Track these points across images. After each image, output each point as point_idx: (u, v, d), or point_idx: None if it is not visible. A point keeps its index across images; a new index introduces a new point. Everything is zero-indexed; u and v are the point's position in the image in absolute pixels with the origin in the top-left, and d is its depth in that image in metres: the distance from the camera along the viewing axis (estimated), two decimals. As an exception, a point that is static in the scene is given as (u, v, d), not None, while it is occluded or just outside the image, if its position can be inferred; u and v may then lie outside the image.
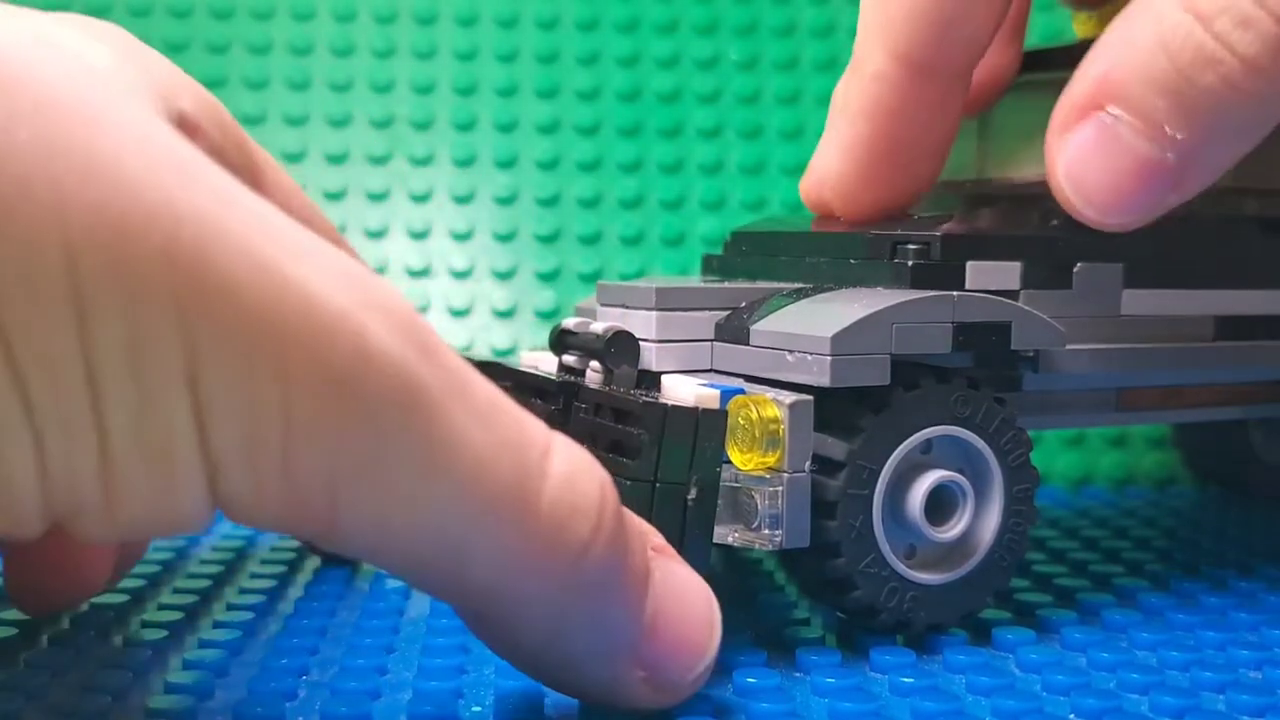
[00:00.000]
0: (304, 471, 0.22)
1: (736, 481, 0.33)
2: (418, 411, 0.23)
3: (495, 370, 0.41)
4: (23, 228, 0.20)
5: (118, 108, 0.22)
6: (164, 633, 0.35)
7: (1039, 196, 0.40)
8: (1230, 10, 0.31)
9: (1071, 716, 0.31)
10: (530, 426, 0.25)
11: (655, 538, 0.29)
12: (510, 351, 0.64)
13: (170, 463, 0.22)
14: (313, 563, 0.44)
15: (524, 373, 0.39)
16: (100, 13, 0.69)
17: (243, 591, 0.40)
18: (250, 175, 0.31)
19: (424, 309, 0.65)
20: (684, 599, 0.28)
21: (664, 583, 0.27)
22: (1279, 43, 0.31)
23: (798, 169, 0.68)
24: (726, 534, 0.34)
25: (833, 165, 0.40)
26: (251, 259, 0.21)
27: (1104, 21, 0.44)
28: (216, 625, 0.36)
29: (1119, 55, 0.33)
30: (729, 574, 0.44)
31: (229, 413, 0.21)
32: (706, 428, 0.31)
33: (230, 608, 0.38)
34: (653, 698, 0.28)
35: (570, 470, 0.25)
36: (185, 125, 0.27)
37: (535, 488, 0.25)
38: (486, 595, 0.25)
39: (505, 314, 0.65)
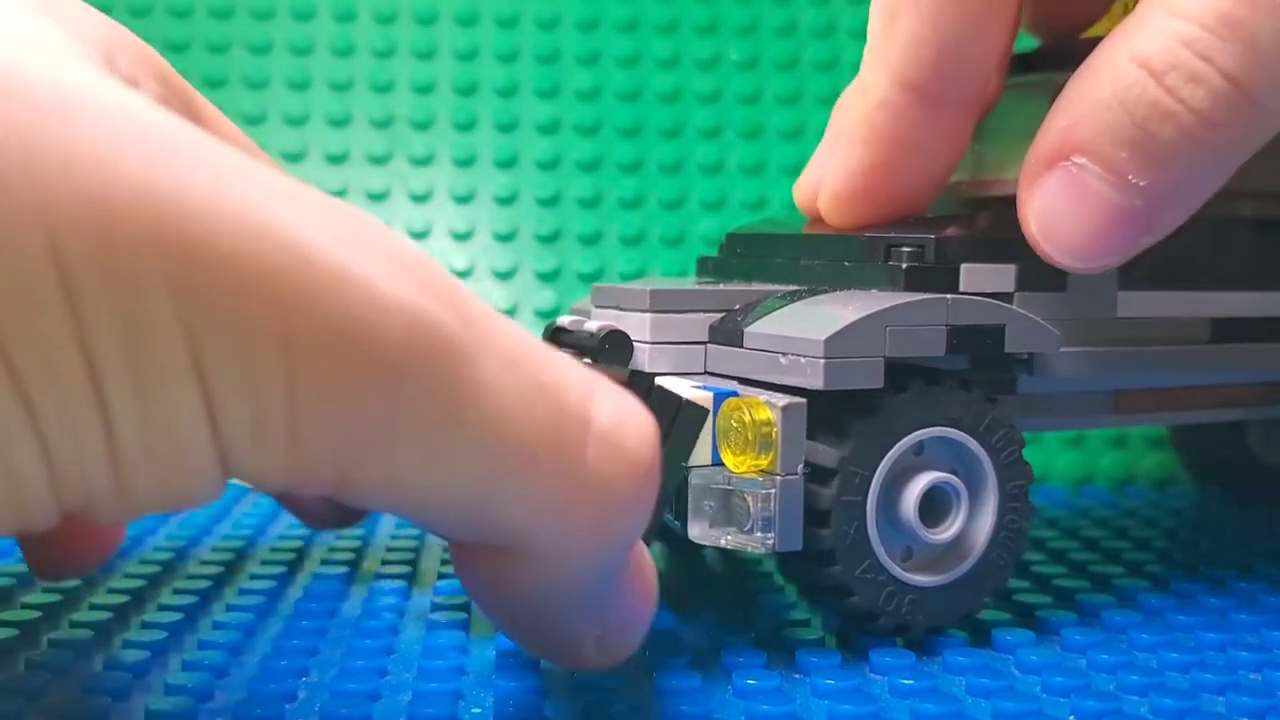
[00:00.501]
0: (317, 437, 0.21)
1: (729, 484, 0.33)
2: (435, 360, 0.21)
3: None
4: (4, 227, 0.19)
5: (87, 85, 0.21)
6: (164, 633, 0.35)
7: None
8: (1180, 66, 0.32)
9: (1071, 718, 0.31)
10: (569, 369, 0.24)
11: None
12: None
13: (180, 446, 0.21)
14: (313, 564, 0.44)
15: None
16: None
17: (243, 592, 0.40)
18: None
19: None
20: (644, 568, 0.28)
21: (634, 550, 0.27)
22: (1229, 97, 0.32)
23: (798, 169, 0.68)
24: (719, 536, 0.34)
25: (829, 182, 0.40)
26: (242, 224, 0.20)
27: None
28: (216, 626, 0.36)
29: (1080, 110, 0.34)
30: (729, 574, 0.44)
31: (236, 387, 0.20)
32: (687, 418, 0.31)
33: (230, 609, 0.38)
34: (596, 660, 0.27)
35: (618, 419, 0.24)
36: (129, 84, 0.25)
37: (577, 434, 0.23)
38: (513, 541, 0.24)
39: (505, 313, 0.65)
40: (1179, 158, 0.33)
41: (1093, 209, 0.34)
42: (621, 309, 0.38)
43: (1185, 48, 0.32)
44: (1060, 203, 0.34)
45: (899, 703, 0.32)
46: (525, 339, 0.24)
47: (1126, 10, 0.41)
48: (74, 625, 0.36)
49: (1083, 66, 0.35)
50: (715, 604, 0.39)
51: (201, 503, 0.22)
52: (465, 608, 0.39)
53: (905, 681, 0.32)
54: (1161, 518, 0.54)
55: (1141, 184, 0.33)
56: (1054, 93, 0.42)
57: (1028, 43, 0.47)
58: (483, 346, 0.22)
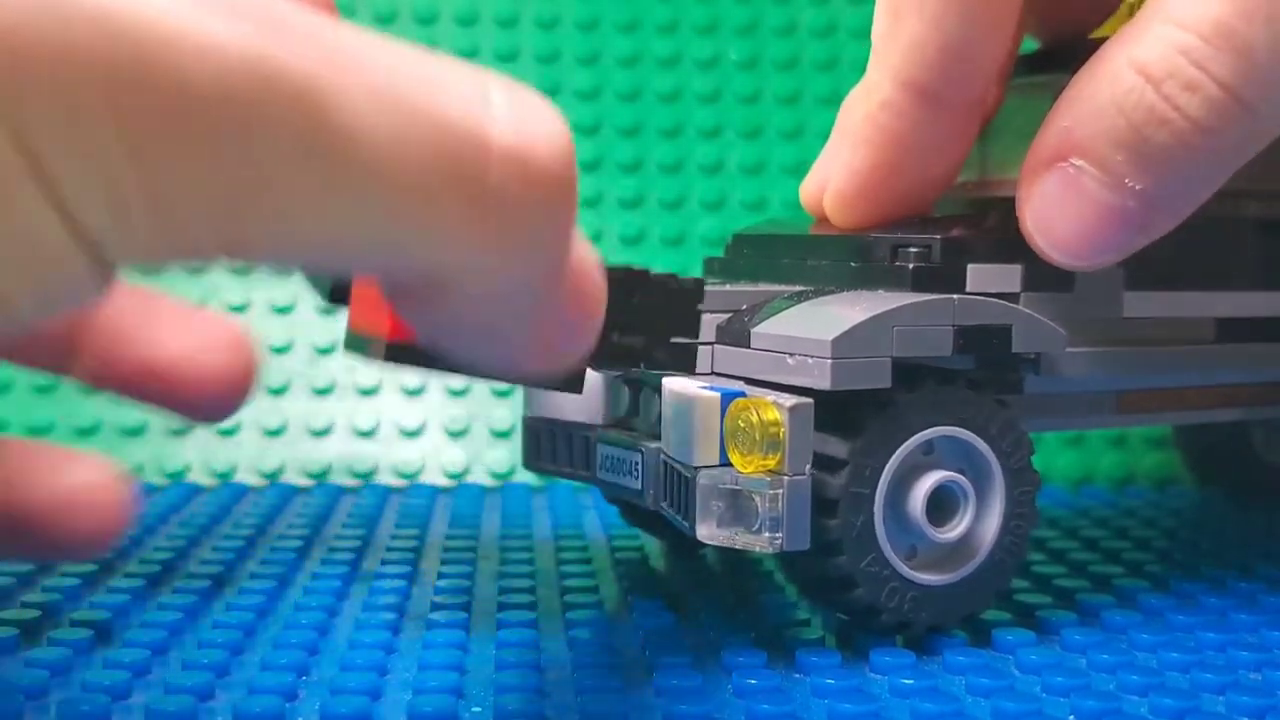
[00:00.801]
0: (179, 205, 0.19)
1: (737, 484, 0.33)
2: (289, 108, 0.19)
3: None
4: None
5: None
6: (164, 633, 0.35)
7: None
8: (1177, 74, 0.33)
9: (1071, 718, 0.31)
10: (455, 85, 0.21)
11: None
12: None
13: (43, 247, 0.19)
14: (313, 564, 0.44)
15: None
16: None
17: (243, 592, 0.40)
18: None
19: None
20: (588, 272, 0.25)
21: (577, 253, 0.25)
22: (1223, 105, 0.33)
23: (798, 169, 0.68)
24: (727, 536, 0.34)
25: (834, 182, 0.40)
26: (70, 10, 0.18)
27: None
28: (216, 626, 0.36)
29: (1079, 111, 0.35)
30: (729, 574, 0.44)
31: (80, 174, 0.19)
32: (682, 295, 0.31)
33: (230, 608, 0.38)
34: (545, 369, 0.26)
35: (518, 132, 0.22)
36: None
37: (473, 162, 0.21)
38: (432, 277, 0.22)
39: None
40: (1174, 163, 0.34)
41: (1087, 209, 0.35)
42: None
43: (1182, 56, 0.33)
44: (1057, 202, 0.35)
45: (899, 702, 0.32)
46: (400, 62, 0.21)
47: (1132, 12, 0.41)
48: (74, 625, 0.36)
49: (1084, 69, 0.35)
50: (715, 604, 0.39)
51: (92, 300, 0.21)
52: (465, 608, 0.39)
53: (905, 681, 0.32)
54: (1161, 518, 0.54)
55: (1137, 187, 0.34)
56: (1055, 92, 0.42)
57: (1033, 44, 0.47)
58: (346, 84, 0.20)
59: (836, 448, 0.34)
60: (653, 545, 0.47)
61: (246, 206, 0.20)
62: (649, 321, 0.31)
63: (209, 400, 0.33)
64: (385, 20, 0.70)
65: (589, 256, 0.26)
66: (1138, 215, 0.34)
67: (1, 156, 0.19)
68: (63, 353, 0.33)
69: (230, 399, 0.33)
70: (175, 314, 0.33)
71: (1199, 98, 0.33)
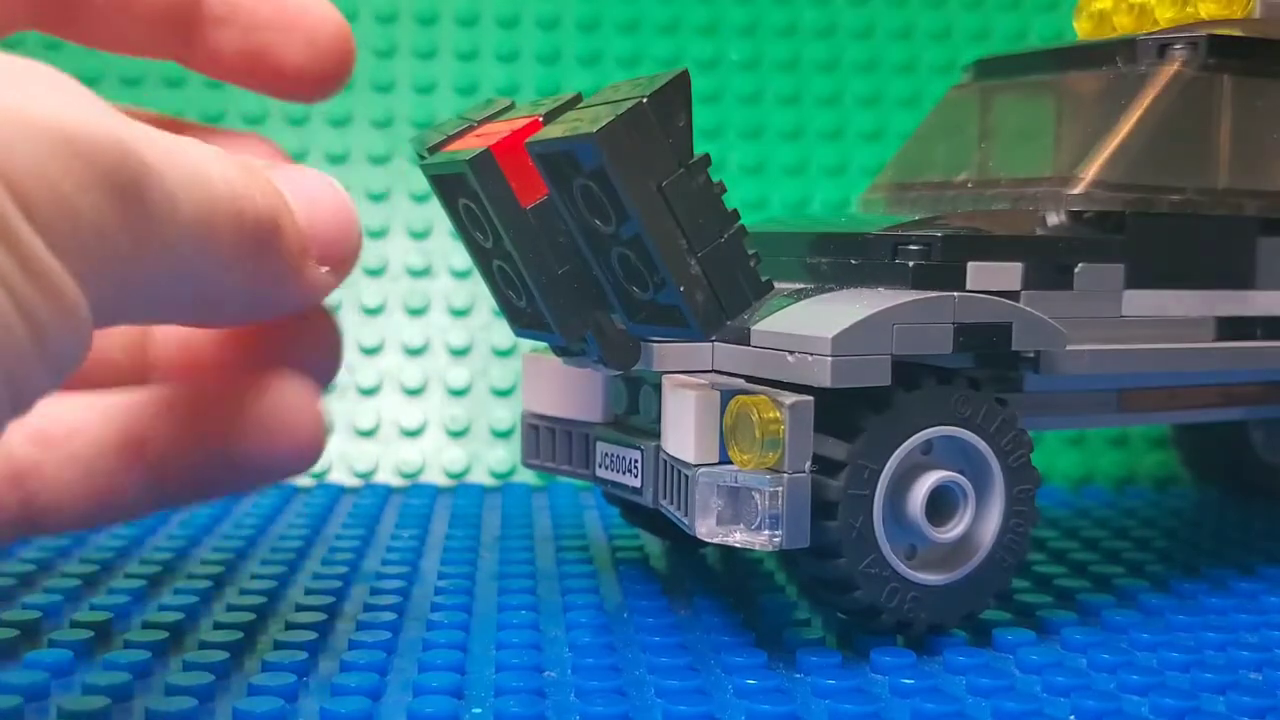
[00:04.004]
0: (101, 256, 0.23)
1: (736, 481, 0.33)
2: (149, 179, 0.24)
3: None
4: None
5: None
6: (164, 633, 0.35)
7: (1039, 196, 0.40)
8: None
9: (1072, 718, 0.31)
10: (205, 153, 0.27)
11: (257, 160, 0.30)
12: (511, 351, 0.64)
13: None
14: (313, 564, 0.44)
15: None
16: None
17: (243, 593, 0.40)
18: None
19: (424, 309, 0.65)
20: (314, 192, 0.30)
21: (294, 192, 0.30)
22: None
23: (798, 169, 0.69)
24: (727, 534, 0.34)
25: None
26: None
27: (1105, 23, 0.44)
28: (217, 626, 0.36)
29: None
30: (729, 574, 0.44)
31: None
32: (661, 107, 0.30)
33: (230, 608, 0.38)
34: (336, 281, 0.31)
35: (222, 168, 0.27)
36: None
37: (225, 200, 0.26)
38: (198, 293, 0.27)
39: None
40: None
41: None
42: None
43: None
44: None
45: (900, 702, 0.32)
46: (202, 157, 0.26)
47: (1131, 12, 0.42)
48: (74, 625, 0.36)
49: None
50: (715, 604, 0.39)
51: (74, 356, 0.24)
52: (465, 608, 0.39)
53: (906, 681, 0.32)
54: (1162, 518, 0.54)
55: None
56: (1053, 92, 0.42)
57: (1031, 42, 0.47)
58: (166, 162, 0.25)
59: (835, 449, 0.34)
60: (653, 545, 0.47)
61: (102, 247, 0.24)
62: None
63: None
64: (385, 20, 0.70)
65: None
66: None
67: None
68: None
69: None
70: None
71: None
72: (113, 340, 0.34)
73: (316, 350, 0.34)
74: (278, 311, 0.31)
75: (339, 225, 0.30)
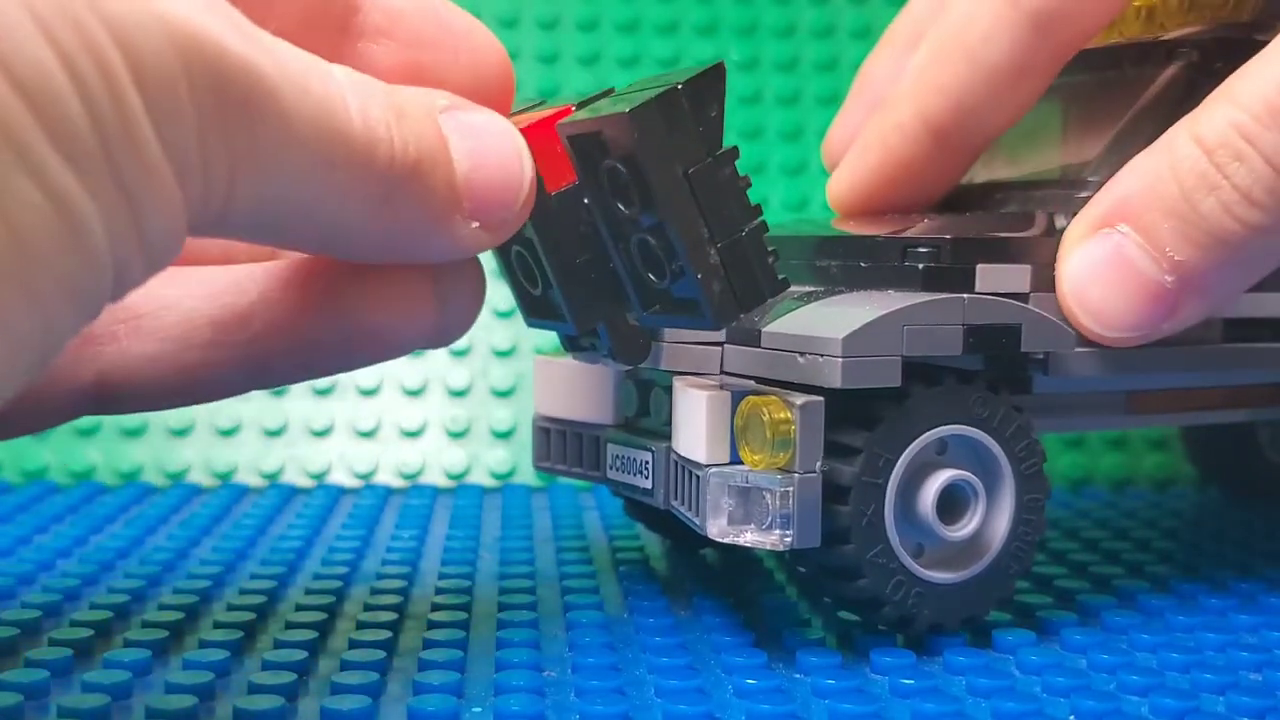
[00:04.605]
0: (197, 162, 0.24)
1: (747, 482, 0.33)
2: (264, 95, 0.24)
3: None
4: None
5: None
6: (164, 632, 0.35)
7: (1047, 198, 0.40)
8: (1228, 144, 0.34)
9: (1071, 718, 0.31)
10: (328, 72, 0.26)
11: (441, 98, 0.29)
12: (511, 352, 0.64)
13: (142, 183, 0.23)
14: (313, 564, 0.44)
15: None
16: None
17: (243, 592, 0.40)
18: None
19: (424, 309, 0.65)
20: (487, 147, 0.29)
21: (464, 142, 0.29)
22: (1268, 180, 0.34)
23: (798, 169, 0.69)
24: (737, 534, 0.34)
25: (835, 179, 0.44)
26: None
27: (1114, 27, 0.44)
28: (216, 626, 0.36)
29: (1136, 181, 0.36)
30: (729, 574, 0.44)
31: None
32: (695, 97, 0.30)
33: (231, 608, 0.38)
34: (491, 239, 0.30)
35: (361, 99, 0.27)
36: None
37: (347, 124, 0.26)
38: (337, 224, 0.27)
39: (506, 314, 0.65)
40: (1216, 233, 0.35)
41: (1126, 279, 0.36)
42: None
43: (1234, 129, 0.34)
44: (1097, 268, 0.36)
45: (899, 703, 0.32)
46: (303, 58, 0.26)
47: (1139, 14, 0.42)
48: (74, 625, 0.36)
49: (1151, 146, 0.36)
50: (715, 604, 0.39)
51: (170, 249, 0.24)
52: (466, 608, 0.39)
53: (906, 681, 0.32)
54: (1162, 518, 0.54)
55: (1177, 259, 0.35)
56: (1062, 95, 0.42)
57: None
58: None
59: (852, 437, 0.34)
60: (653, 545, 0.47)
61: (242, 164, 0.24)
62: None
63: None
64: (385, 20, 0.70)
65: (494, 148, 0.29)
66: (1172, 294, 0.36)
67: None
68: None
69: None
70: None
71: (1245, 168, 0.34)
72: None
73: (452, 297, 0.32)
74: (415, 258, 0.30)
75: (503, 184, 0.29)
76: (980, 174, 0.44)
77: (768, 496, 0.33)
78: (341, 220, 0.27)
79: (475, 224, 0.29)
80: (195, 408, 0.59)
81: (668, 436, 0.37)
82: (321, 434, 0.61)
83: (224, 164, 0.24)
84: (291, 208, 0.26)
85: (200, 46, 0.23)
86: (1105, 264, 0.36)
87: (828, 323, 0.34)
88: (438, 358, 0.63)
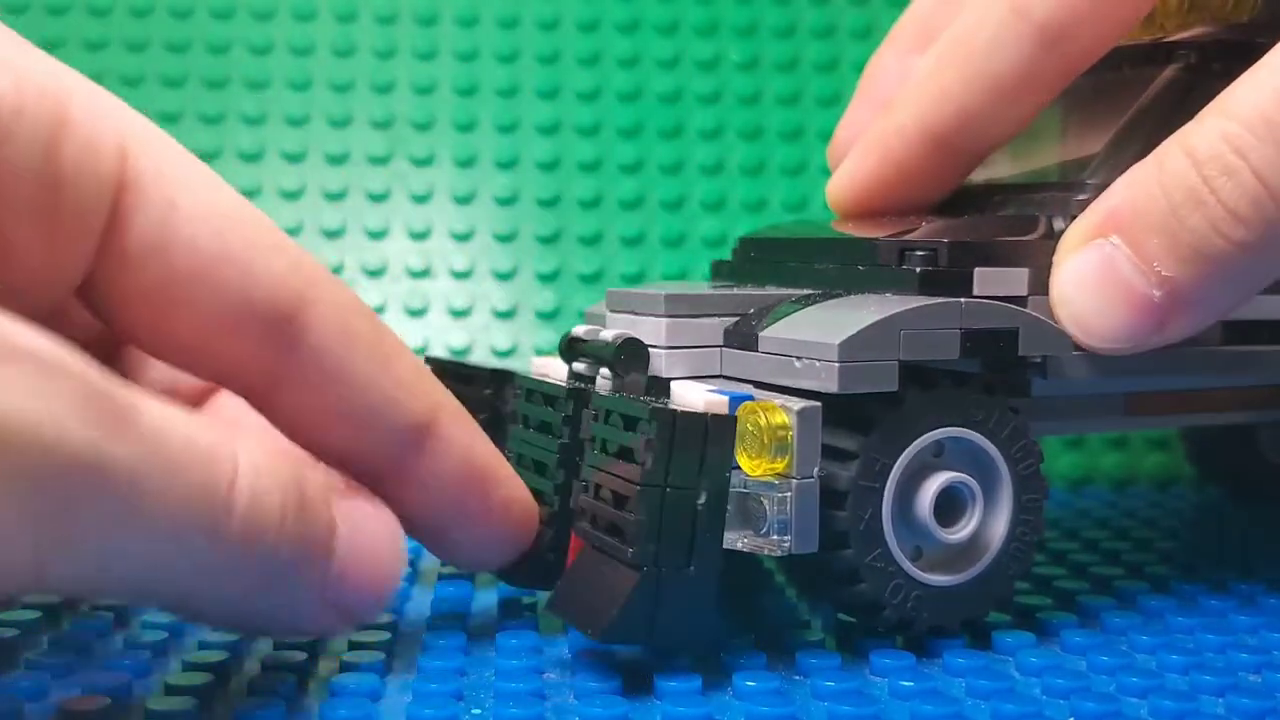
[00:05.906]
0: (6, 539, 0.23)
1: (745, 487, 0.33)
2: (104, 483, 0.24)
3: (504, 378, 0.41)
4: None
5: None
6: (164, 633, 0.35)
7: (1045, 200, 0.40)
8: (1218, 158, 0.34)
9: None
10: (218, 456, 0.26)
11: (340, 481, 0.30)
12: (511, 352, 0.64)
13: None
14: (313, 563, 0.44)
15: (533, 380, 0.39)
16: (101, 13, 0.69)
17: (243, 592, 0.40)
18: None
19: (424, 310, 0.65)
20: (368, 541, 0.30)
21: (350, 534, 0.30)
22: (1255, 195, 0.33)
23: (798, 170, 0.69)
24: (735, 540, 0.34)
25: (834, 183, 0.44)
26: None
27: None
28: (216, 626, 0.36)
29: (1128, 193, 0.36)
30: (729, 575, 0.44)
31: None
32: (716, 433, 0.31)
33: (230, 609, 0.38)
34: (345, 626, 0.31)
35: (253, 485, 0.27)
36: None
37: (224, 514, 0.26)
38: (185, 598, 0.27)
39: (506, 314, 0.65)
40: (1204, 251, 0.34)
41: (1116, 290, 0.35)
42: (636, 313, 0.38)
43: (1226, 142, 0.34)
44: (1087, 278, 0.36)
45: (899, 704, 0.32)
46: (188, 437, 0.26)
47: (1148, 15, 0.41)
48: (74, 625, 0.36)
49: (1146, 158, 0.36)
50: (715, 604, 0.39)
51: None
52: (466, 609, 0.39)
53: (905, 683, 0.32)
54: (1162, 519, 0.54)
55: (1165, 274, 0.35)
56: (1061, 96, 0.42)
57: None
58: (145, 465, 0.24)
59: (848, 441, 0.34)
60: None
61: (56, 544, 0.24)
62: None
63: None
64: (386, 21, 0.70)
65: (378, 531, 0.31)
66: (1160, 308, 0.35)
67: None
68: None
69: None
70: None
71: (1234, 183, 0.33)
72: None
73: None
74: (267, 634, 0.32)
75: (373, 581, 0.30)
76: (979, 174, 0.44)
77: (765, 502, 0.33)
78: (192, 600, 0.27)
79: (334, 612, 0.30)
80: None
81: None
82: (321, 434, 0.61)
83: (28, 544, 0.23)
84: (131, 584, 0.26)
85: (21, 441, 0.22)
86: (1095, 274, 0.36)
87: (824, 327, 0.34)
88: (438, 358, 0.63)
